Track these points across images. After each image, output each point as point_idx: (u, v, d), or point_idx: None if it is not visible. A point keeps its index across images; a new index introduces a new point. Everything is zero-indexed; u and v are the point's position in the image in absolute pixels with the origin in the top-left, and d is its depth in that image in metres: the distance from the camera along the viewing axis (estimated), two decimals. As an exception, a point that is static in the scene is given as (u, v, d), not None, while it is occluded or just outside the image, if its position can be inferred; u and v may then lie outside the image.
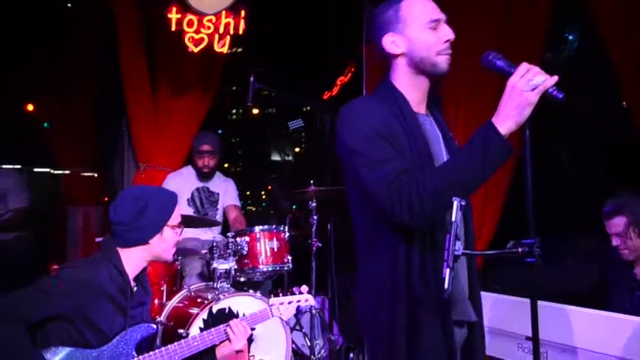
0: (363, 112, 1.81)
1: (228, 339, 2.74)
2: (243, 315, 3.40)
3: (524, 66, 1.62)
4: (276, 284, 4.53)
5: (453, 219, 1.52)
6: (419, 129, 1.84)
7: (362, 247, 1.90)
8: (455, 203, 1.53)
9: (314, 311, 3.96)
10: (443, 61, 1.86)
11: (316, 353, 3.94)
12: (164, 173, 4.78)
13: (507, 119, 1.61)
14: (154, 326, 2.56)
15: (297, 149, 12.02)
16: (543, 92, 1.58)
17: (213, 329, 2.72)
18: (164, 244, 2.55)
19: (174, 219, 2.58)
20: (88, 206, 5.40)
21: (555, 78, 1.58)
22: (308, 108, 8.95)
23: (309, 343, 4.06)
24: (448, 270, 1.49)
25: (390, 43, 1.90)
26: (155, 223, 2.53)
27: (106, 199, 5.36)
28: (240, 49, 5.21)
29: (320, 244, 4.10)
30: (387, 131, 1.77)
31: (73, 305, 2.32)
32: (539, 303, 3.05)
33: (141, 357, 2.47)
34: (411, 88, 1.91)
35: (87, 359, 2.36)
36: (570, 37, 5.84)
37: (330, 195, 4.15)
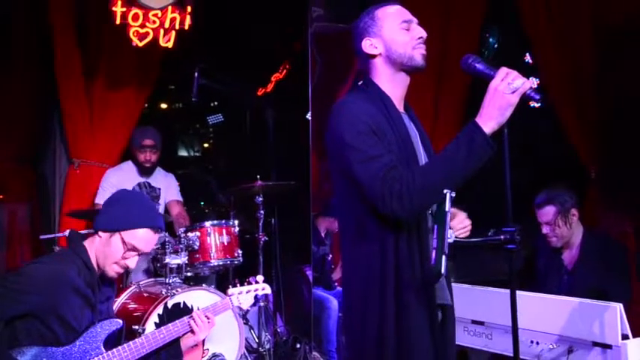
0: (356, 108, 1.94)
1: (192, 330, 2.79)
2: (198, 308, 3.44)
3: (504, 70, 1.79)
4: (220, 278, 4.56)
5: (447, 209, 1.66)
6: (404, 127, 1.99)
7: (348, 237, 2.01)
8: (447, 195, 1.67)
9: (262, 304, 4.04)
10: (418, 55, 2.03)
11: (264, 345, 4.03)
12: (100, 169, 4.66)
13: (490, 119, 1.77)
14: (120, 321, 2.56)
15: (205, 145, 11.95)
16: (522, 94, 1.75)
17: (177, 321, 2.76)
18: (107, 249, 2.47)
19: (131, 238, 2.48)
20: (14, 203, 5.16)
21: (532, 81, 1.75)
22: (215, 103, 8.97)
23: (255, 337, 4.13)
24: (444, 257, 1.63)
25: (369, 45, 2.06)
26: (111, 220, 2.49)
27: (36, 194, 5.13)
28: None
29: (266, 238, 4.18)
30: (378, 128, 1.90)
31: (43, 302, 2.29)
32: (482, 288, 3.32)
33: (109, 352, 2.47)
34: (392, 86, 2.05)
35: (55, 358, 2.34)
36: (490, 39, 6.18)
37: (275, 190, 4.23)
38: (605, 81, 3.85)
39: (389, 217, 1.85)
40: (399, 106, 2.07)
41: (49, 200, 5.00)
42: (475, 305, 3.19)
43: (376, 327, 1.89)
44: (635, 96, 3.62)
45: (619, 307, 2.61)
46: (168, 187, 4.57)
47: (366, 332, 1.92)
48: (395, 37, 2.03)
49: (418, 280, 1.87)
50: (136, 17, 4.02)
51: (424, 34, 2.05)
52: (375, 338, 1.88)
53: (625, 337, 2.59)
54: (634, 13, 3.84)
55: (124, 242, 2.47)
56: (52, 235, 3.85)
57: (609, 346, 2.61)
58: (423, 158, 2.03)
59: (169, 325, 2.73)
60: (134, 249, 2.50)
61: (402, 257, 1.88)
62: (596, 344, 2.66)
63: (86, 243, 2.49)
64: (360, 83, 2.11)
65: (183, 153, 11.25)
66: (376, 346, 1.88)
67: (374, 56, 2.06)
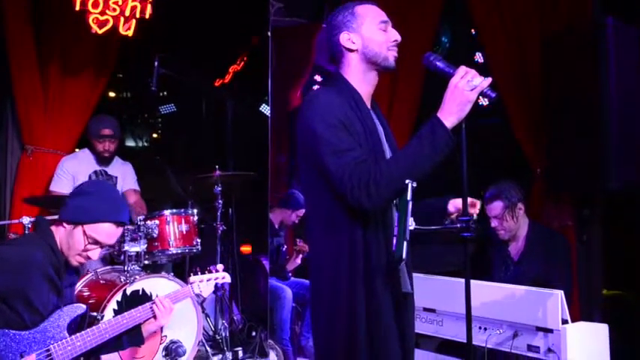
0: (328, 102, 2.01)
1: (154, 316, 2.83)
2: (157, 295, 3.48)
3: (463, 68, 1.91)
4: (176, 267, 4.59)
5: (408, 198, 1.77)
6: (372, 122, 2.08)
7: (317, 227, 2.08)
8: (409, 185, 1.78)
9: (219, 292, 4.10)
10: (391, 56, 2.12)
11: (220, 332, 4.09)
12: (55, 156, 4.60)
13: (451, 115, 1.88)
14: (84, 306, 2.59)
15: (154, 135, 11.88)
16: (480, 91, 1.88)
17: (140, 307, 2.79)
18: (70, 239, 2.49)
19: (93, 231, 2.49)
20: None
21: (490, 79, 1.88)
22: (165, 93, 8.95)
23: (211, 325, 4.19)
24: (405, 243, 1.74)
25: (347, 39, 2.12)
26: (75, 212, 2.50)
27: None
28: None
29: (224, 228, 4.23)
30: (348, 122, 1.99)
31: (12, 284, 2.31)
32: (434, 277, 3.46)
33: (73, 337, 2.49)
34: (362, 83, 2.13)
35: (18, 341, 2.35)
36: (443, 39, 6.36)
37: (234, 180, 4.28)
38: (550, 81, 4.04)
39: (357, 208, 1.93)
40: (367, 103, 2.15)
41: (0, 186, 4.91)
42: (427, 293, 3.34)
43: (347, 310, 1.97)
44: (577, 96, 3.82)
45: (560, 294, 2.80)
46: (125, 176, 4.55)
47: (336, 316, 1.99)
48: (373, 36, 2.11)
49: (384, 268, 1.98)
50: (96, 4, 4.00)
51: (399, 37, 2.14)
52: (347, 322, 1.97)
53: (565, 321, 2.78)
54: (575, 19, 4.06)
55: (85, 235, 2.49)
56: (6, 222, 3.80)
57: (550, 330, 2.79)
58: (387, 153, 2.12)
59: (132, 310, 2.76)
60: (96, 242, 2.51)
61: (370, 246, 1.98)
62: (539, 329, 2.85)
63: (53, 228, 2.50)
64: (319, 79, 2.20)
65: (130, 143, 11.13)
66: (347, 329, 1.97)
67: (350, 50, 2.12)
